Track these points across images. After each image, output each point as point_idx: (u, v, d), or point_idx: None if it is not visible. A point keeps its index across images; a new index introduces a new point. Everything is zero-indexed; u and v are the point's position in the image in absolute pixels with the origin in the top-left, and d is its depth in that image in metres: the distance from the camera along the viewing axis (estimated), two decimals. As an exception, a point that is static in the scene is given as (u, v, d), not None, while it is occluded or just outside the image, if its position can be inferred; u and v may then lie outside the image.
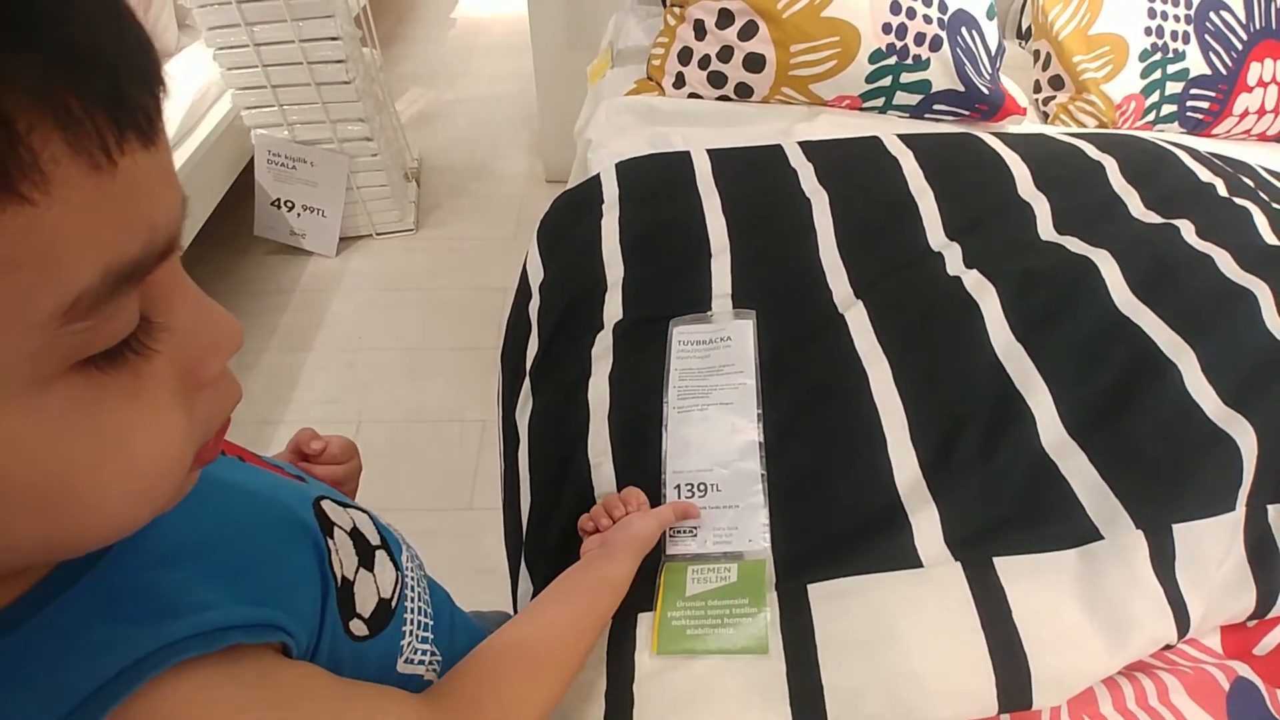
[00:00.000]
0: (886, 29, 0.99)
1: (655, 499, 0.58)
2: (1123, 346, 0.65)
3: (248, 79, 1.53)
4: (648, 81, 1.11)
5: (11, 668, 0.23)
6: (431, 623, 0.41)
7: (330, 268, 1.76)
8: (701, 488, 0.58)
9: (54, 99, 0.17)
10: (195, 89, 1.60)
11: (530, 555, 0.64)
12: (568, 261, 0.87)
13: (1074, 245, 0.76)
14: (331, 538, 0.34)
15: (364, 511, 0.40)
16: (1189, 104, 1.13)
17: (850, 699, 0.47)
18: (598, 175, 0.95)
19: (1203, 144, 1.15)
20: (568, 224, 0.93)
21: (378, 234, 1.80)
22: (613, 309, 0.77)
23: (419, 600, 0.41)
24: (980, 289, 0.70)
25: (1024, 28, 1.33)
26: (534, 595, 0.59)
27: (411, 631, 0.39)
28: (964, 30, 1.02)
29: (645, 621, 0.52)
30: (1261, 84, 1.14)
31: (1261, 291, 0.69)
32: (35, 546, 0.22)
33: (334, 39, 1.48)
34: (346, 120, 1.60)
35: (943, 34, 1.00)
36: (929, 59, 1.01)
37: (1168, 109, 1.13)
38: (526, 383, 0.79)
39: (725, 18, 1.02)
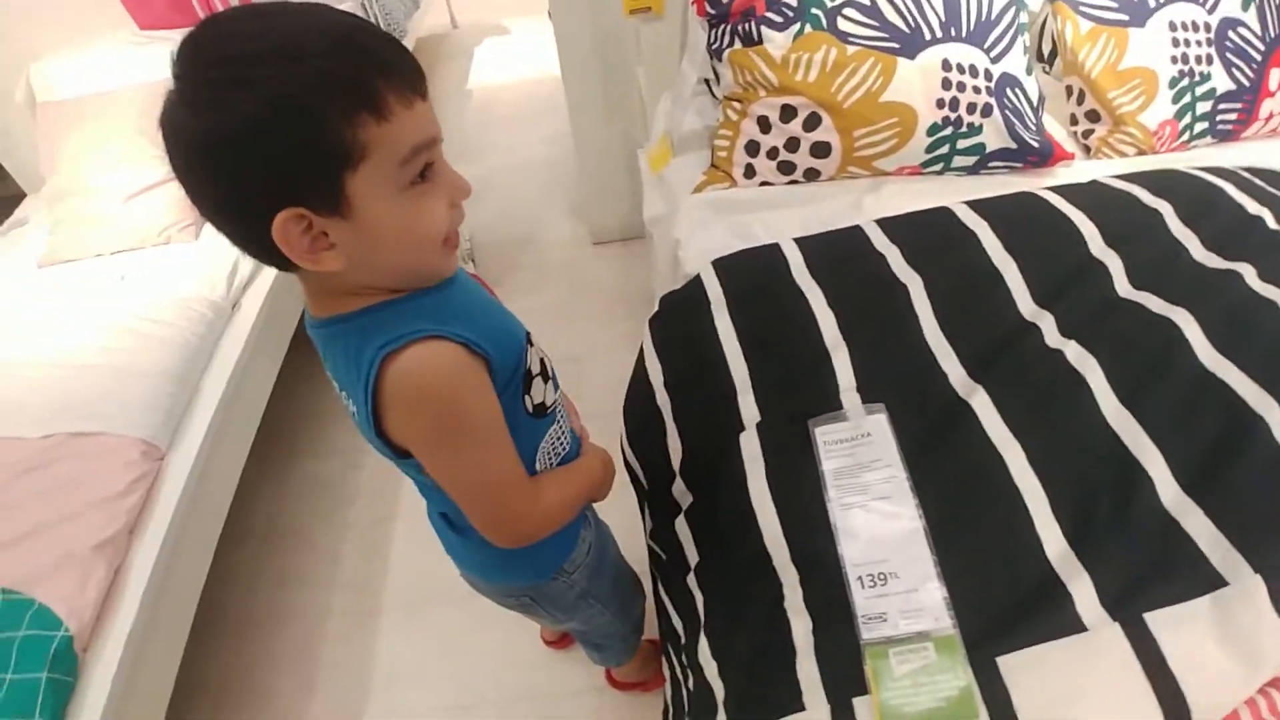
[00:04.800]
0: (940, 104, 1.11)
1: (838, 588, 0.72)
2: (1214, 403, 0.77)
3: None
4: (716, 172, 1.24)
5: (390, 318, 0.56)
6: (564, 451, 0.75)
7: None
8: (882, 577, 0.71)
9: (392, 84, 0.49)
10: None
11: (718, 647, 0.77)
12: (691, 361, 1.00)
13: (1154, 304, 0.88)
14: (531, 346, 0.68)
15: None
16: (1219, 119, 1.25)
17: (1052, 751, 0.60)
18: (699, 276, 1.08)
19: (1234, 152, 1.27)
20: (680, 324, 1.06)
21: (445, 317, 1.93)
22: (749, 409, 0.90)
23: (561, 433, 0.74)
24: (1082, 361, 0.83)
25: (1044, 52, 1.45)
26: (726, 692, 0.72)
27: (549, 441, 0.72)
28: (1009, 91, 1.15)
29: (862, 705, 0.65)
30: (1285, 87, 1.26)
31: (1328, 330, 0.81)
32: (395, 270, 0.56)
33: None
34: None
35: (992, 100, 1.13)
36: (981, 124, 1.13)
37: (1200, 127, 1.25)
38: (679, 482, 0.92)
39: (788, 112, 1.14)
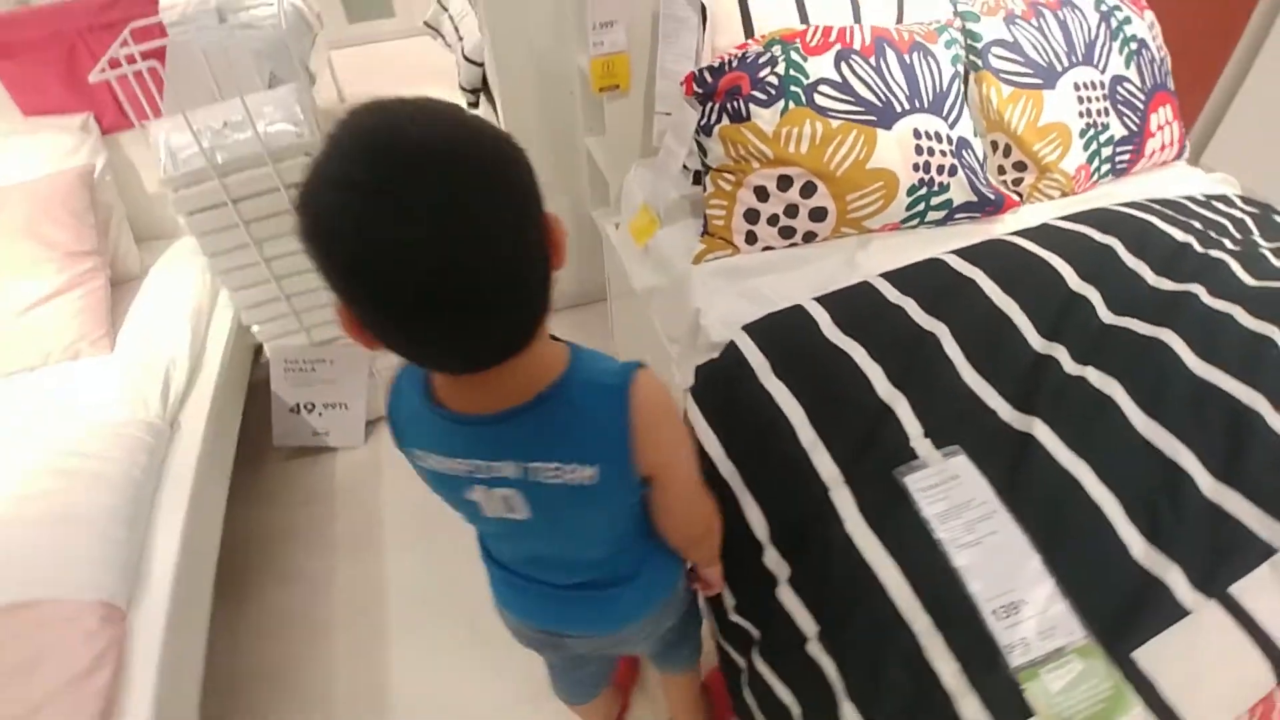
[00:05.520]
0: (916, 168, 1.30)
1: (974, 625, 0.81)
2: (1215, 404, 0.97)
3: (260, 295, 1.59)
4: (714, 240, 1.35)
5: (583, 369, 0.63)
6: None
7: (361, 458, 1.83)
8: (1013, 606, 0.82)
9: None
10: (189, 310, 1.65)
11: (868, 709, 0.83)
12: (751, 428, 1.08)
13: (1138, 327, 1.08)
14: None
15: None
16: (1118, 160, 1.54)
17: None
18: (733, 343, 1.17)
19: (1128, 185, 1.57)
20: (726, 391, 1.14)
21: (400, 409, 1.88)
22: (827, 469, 0.99)
23: None
24: (1105, 383, 1.00)
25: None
26: None
27: None
28: (965, 152, 1.36)
29: (1033, 724, 0.74)
30: (1160, 128, 1.58)
31: (1276, 334, 1.04)
32: None
33: (347, 239, 1.59)
34: (364, 310, 1.70)
35: (955, 161, 1.33)
36: (949, 183, 1.33)
37: (1104, 169, 1.53)
38: (771, 552, 0.99)
39: (785, 181, 1.28)
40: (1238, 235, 1.36)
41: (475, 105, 2.43)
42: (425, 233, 0.47)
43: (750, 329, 1.18)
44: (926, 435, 0.98)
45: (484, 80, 2.46)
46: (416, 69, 3.60)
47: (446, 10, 2.57)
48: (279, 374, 1.70)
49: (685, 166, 1.51)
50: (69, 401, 1.47)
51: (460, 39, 2.41)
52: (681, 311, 1.32)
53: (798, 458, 1.01)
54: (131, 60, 1.43)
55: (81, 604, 1.16)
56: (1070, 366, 1.04)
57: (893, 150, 1.28)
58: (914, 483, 0.93)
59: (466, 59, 2.36)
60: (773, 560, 0.99)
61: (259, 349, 1.81)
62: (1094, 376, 1.02)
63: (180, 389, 1.55)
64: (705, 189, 1.37)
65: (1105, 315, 1.13)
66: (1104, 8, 1.51)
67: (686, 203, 1.51)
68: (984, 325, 1.11)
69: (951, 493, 0.91)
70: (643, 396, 0.62)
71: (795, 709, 0.95)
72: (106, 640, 1.14)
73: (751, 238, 1.33)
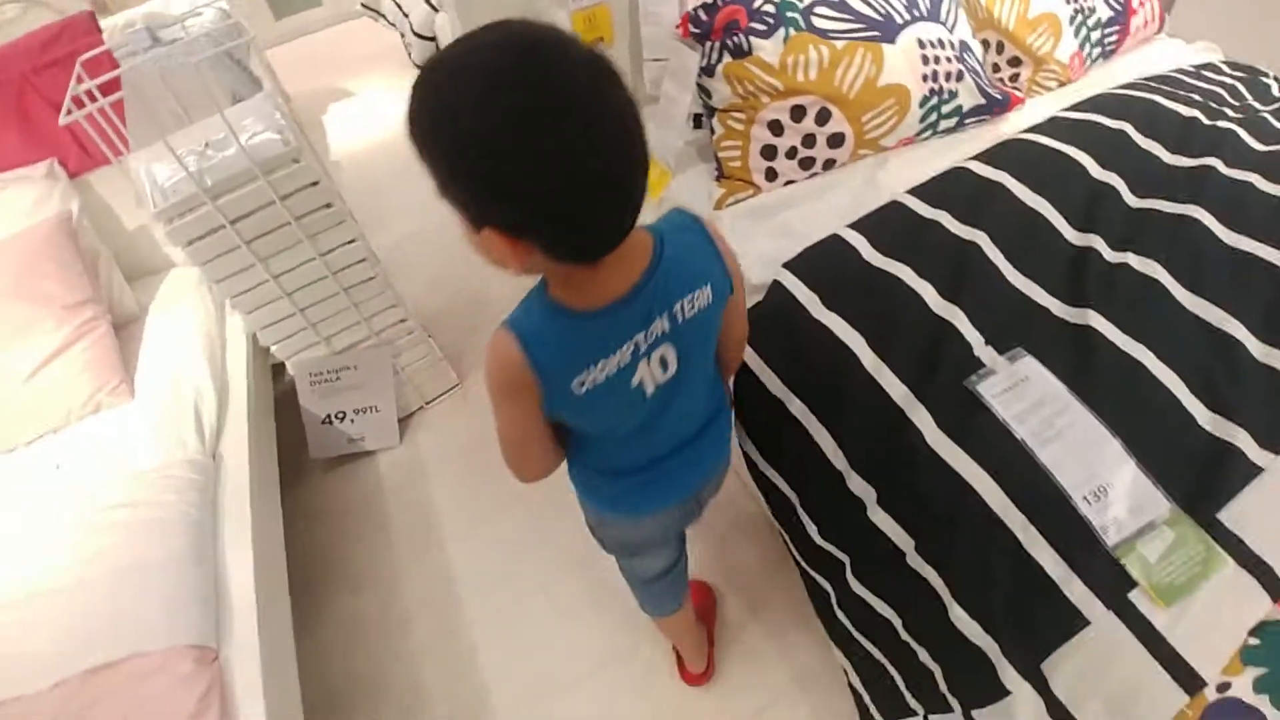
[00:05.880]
0: (925, 78, 1.33)
1: (1067, 515, 0.88)
2: (1252, 270, 1.04)
3: (274, 313, 1.59)
4: (733, 182, 1.38)
5: (659, 225, 0.75)
6: None
7: (402, 457, 1.86)
8: (1101, 490, 0.89)
9: None
10: (201, 340, 1.65)
11: (976, 607, 0.91)
12: (812, 362, 1.13)
13: (1165, 206, 1.14)
14: None
15: None
16: (1106, 42, 1.58)
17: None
18: (777, 282, 1.21)
19: (1118, 65, 1.62)
20: (780, 332, 1.18)
21: (428, 403, 1.91)
22: (897, 390, 1.05)
23: None
24: (1147, 266, 1.06)
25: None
26: (999, 642, 0.88)
27: None
28: (967, 55, 1.39)
29: (1137, 596, 0.82)
30: (1141, 3, 1.62)
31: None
32: None
33: (351, 242, 1.59)
34: (379, 312, 1.71)
35: (961, 66, 1.36)
36: (957, 89, 1.36)
37: (1095, 52, 1.58)
38: (855, 478, 1.05)
39: (798, 112, 1.31)
40: (1235, 102, 1.42)
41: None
42: (587, 123, 0.55)
43: (791, 265, 1.22)
44: (988, 343, 1.04)
45: (438, 51, 2.41)
46: (358, 53, 3.49)
47: (385, -15, 2.50)
48: (305, 388, 1.71)
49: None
50: (103, 456, 1.47)
51: (405, 15, 2.35)
52: (714, 261, 1.35)
53: (866, 383, 1.07)
54: (92, 97, 1.39)
55: (171, 651, 1.16)
56: (1110, 255, 1.10)
57: (900, 63, 1.31)
58: (987, 389, 0.99)
59: (416, 34, 2.31)
60: (858, 485, 1.05)
61: (278, 366, 1.81)
62: (1134, 261, 1.08)
63: (213, 421, 1.56)
64: (714, 132, 1.40)
65: (1131, 200, 1.19)
66: (1078, -114, 1.53)
67: (692, 149, 1.53)
68: (1020, 226, 1.16)
69: (1025, 393, 0.98)
70: (708, 222, 0.78)
71: (897, 621, 1.03)
72: (206, 682, 1.15)
73: (771, 174, 1.36)
